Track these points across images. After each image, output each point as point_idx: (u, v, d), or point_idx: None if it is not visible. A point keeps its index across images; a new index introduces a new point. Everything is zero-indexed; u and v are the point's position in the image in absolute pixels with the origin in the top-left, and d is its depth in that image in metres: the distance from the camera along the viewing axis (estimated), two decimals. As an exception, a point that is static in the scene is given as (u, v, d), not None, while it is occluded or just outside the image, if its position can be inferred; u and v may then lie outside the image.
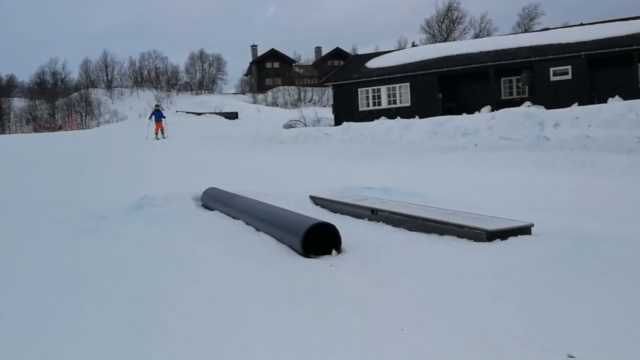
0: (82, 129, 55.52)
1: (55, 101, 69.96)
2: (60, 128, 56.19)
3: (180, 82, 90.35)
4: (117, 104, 73.32)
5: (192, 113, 56.86)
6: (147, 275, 5.91)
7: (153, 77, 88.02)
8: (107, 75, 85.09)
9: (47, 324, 4.48)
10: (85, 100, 69.18)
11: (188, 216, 9.72)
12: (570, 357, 3.56)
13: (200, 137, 31.06)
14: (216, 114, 55.75)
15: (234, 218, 9.19)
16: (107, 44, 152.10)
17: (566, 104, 22.40)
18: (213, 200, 10.58)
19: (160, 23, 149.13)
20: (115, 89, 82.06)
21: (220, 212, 9.92)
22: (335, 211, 10.00)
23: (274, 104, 77.39)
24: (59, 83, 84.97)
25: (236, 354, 3.84)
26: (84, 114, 66.64)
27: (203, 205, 10.85)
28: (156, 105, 28.44)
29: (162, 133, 26.69)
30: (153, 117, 28.28)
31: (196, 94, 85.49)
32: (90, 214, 9.67)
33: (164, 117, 28.19)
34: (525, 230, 6.95)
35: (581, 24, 32.33)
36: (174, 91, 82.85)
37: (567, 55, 26.13)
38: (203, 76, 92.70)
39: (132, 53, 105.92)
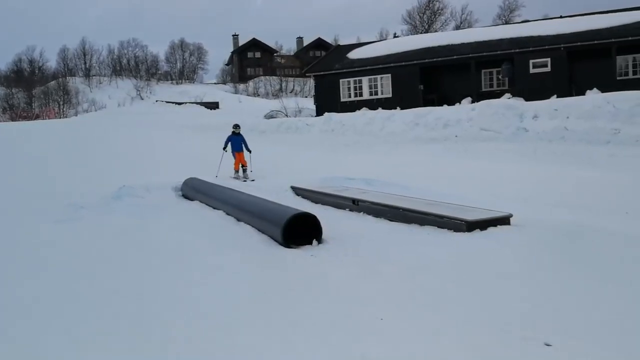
0: (60, 117, 54.70)
1: (33, 90, 68.82)
2: (37, 117, 55.31)
3: (160, 72, 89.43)
4: (96, 93, 72.35)
5: (172, 103, 56.41)
6: (126, 266, 5.85)
7: (132, 65, 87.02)
8: (85, 63, 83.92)
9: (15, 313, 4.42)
10: (63, 88, 68.09)
11: (168, 206, 9.64)
12: (547, 345, 3.61)
13: (181, 126, 30.82)
14: (197, 103, 55.36)
15: (214, 208, 9.14)
16: (85, 31, 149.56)
17: (545, 96, 22.60)
18: (193, 190, 10.51)
19: (140, 11, 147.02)
20: (94, 77, 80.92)
21: (201, 202, 9.86)
22: (316, 202, 10.01)
23: (256, 94, 77.02)
24: (36, 71, 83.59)
25: (219, 343, 3.83)
26: (61, 103, 65.64)
27: (183, 195, 10.77)
28: (235, 127, 15.48)
29: (244, 171, 14.58)
30: (230, 144, 15.12)
31: (177, 83, 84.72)
32: (68, 203, 9.55)
33: (248, 149, 15.00)
34: (504, 220, 7.02)
35: (560, 17, 32.59)
36: (153, 80, 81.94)
37: (547, 47, 26.33)
38: (184, 65, 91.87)
39: (111, 41, 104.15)
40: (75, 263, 5.98)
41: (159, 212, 8.96)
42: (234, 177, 14.40)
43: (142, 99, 66.66)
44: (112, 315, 4.37)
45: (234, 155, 14.90)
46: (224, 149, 14.95)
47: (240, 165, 14.71)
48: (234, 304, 4.61)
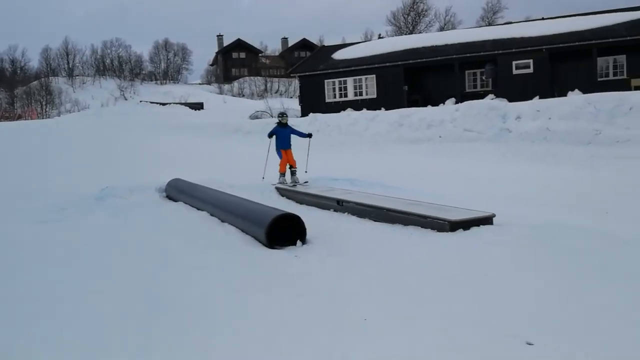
0: (43, 118, 54.07)
1: (15, 90, 67.95)
2: (19, 117, 54.61)
3: (144, 72, 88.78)
4: (79, 93, 71.58)
5: (157, 103, 55.99)
6: (107, 266, 5.81)
7: (116, 65, 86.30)
8: (68, 63, 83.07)
9: None
10: (46, 88, 67.30)
11: (151, 207, 9.58)
12: (529, 344, 3.64)
13: (165, 127, 30.62)
14: (181, 104, 54.98)
15: (198, 209, 9.10)
16: (68, 31, 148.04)
17: (528, 96, 22.82)
18: (177, 191, 10.45)
19: (124, 11, 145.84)
20: (77, 77, 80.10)
21: (185, 203, 9.81)
22: (301, 202, 10.00)
23: (240, 94, 76.75)
24: (19, 71, 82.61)
25: (204, 342, 3.81)
26: (44, 103, 64.87)
27: (167, 196, 10.71)
28: (281, 116, 11.79)
29: (293, 173, 11.54)
30: (274, 137, 11.69)
31: (161, 83, 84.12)
32: (50, 204, 9.45)
33: (307, 135, 11.91)
34: (487, 220, 7.07)
35: (542, 18, 32.96)
36: (137, 81, 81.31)
37: (529, 48, 26.60)
38: (168, 66, 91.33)
39: (94, 41, 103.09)
40: (54, 264, 5.92)
41: (141, 213, 8.89)
42: (279, 184, 11.23)
43: (126, 100, 66.13)
44: (90, 315, 4.33)
45: (279, 153, 11.56)
46: (270, 137, 11.64)
47: (288, 166, 11.54)
48: (216, 304, 4.59)
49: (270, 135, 11.69)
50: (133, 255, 6.27)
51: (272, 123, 28.07)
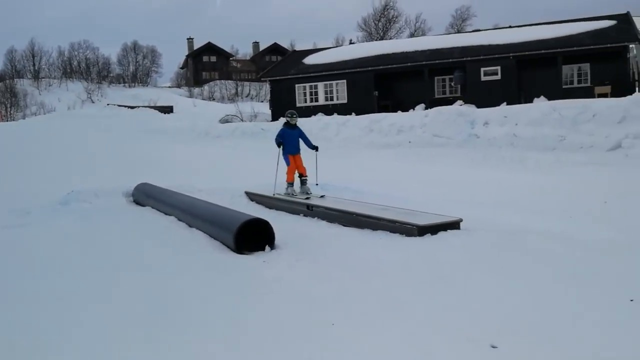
0: (7, 120, 52.82)
1: (-23, 91, 66.29)
2: (-18, 120, 53.25)
3: (112, 74, 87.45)
4: (45, 95, 70.07)
5: (125, 106, 55.19)
6: (75, 272, 5.69)
7: (83, 68, 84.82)
8: (34, 65, 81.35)
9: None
10: (11, 90, 65.77)
11: (118, 212, 9.43)
12: (493, 347, 3.69)
13: (134, 131, 30.22)
14: (150, 107, 54.31)
15: (166, 214, 8.99)
16: (34, 32, 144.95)
17: (496, 103, 23.18)
18: (144, 195, 10.32)
19: (92, 12, 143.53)
20: (43, 79, 78.46)
21: (152, 208, 9.69)
22: (270, 207, 9.96)
23: (211, 98, 76.13)
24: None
25: (168, 348, 3.76)
26: (9, 105, 63.38)
27: (134, 201, 10.56)
28: (290, 116, 10.13)
29: (303, 183, 10.05)
30: (283, 144, 10.02)
31: (129, 86, 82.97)
32: (14, 208, 9.24)
33: (313, 147, 10.15)
34: (454, 225, 7.16)
35: (510, 27, 33.57)
36: (105, 83, 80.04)
37: (497, 56, 27.05)
38: (136, 68, 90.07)
39: (61, 43, 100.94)
40: (18, 269, 5.78)
41: (107, 218, 8.75)
42: (286, 194, 9.82)
43: (93, 102, 65.03)
44: (49, 320, 4.24)
45: (286, 159, 10.05)
46: (279, 145, 9.93)
47: (298, 175, 10.05)
48: (182, 309, 4.54)
49: (279, 143, 9.93)
50: (96, 261, 6.16)
51: (241, 127, 27.88)
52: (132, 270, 5.80)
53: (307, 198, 9.37)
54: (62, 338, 3.98)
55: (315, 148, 10.06)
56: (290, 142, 9.98)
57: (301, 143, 10.18)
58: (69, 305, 4.67)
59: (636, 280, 5.09)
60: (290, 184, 9.99)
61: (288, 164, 10.05)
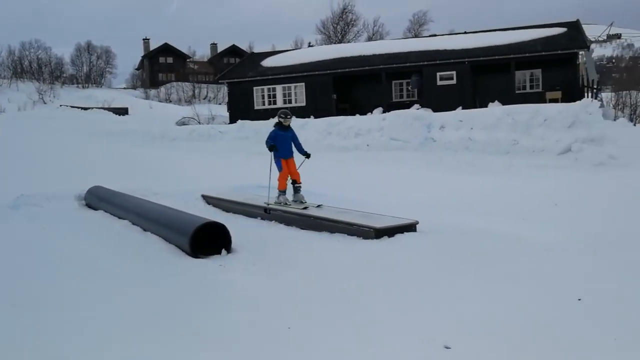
0: (-48, 121, 50.74)
1: None
2: None
3: (65, 75, 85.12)
4: (-7, 96, 67.86)
5: (78, 107, 53.83)
6: (23, 277, 5.48)
7: (35, 68, 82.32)
8: (-19, 64, 78.65)
9: None
10: (-44, 90, 63.36)
11: (70, 216, 9.16)
12: (447, 347, 3.73)
13: (87, 133, 29.47)
14: (104, 109, 53.14)
15: (119, 218, 8.78)
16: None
17: (451, 107, 23.58)
18: (97, 199, 10.05)
19: (44, 11, 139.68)
20: (-9, 79, 75.92)
21: (106, 211, 9.45)
22: (227, 210, 9.87)
23: (167, 100, 74.99)
24: None
25: (117, 355, 3.67)
26: (-47, 106, 61.01)
27: (87, 204, 10.28)
28: (284, 116, 9.25)
29: (297, 190, 9.13)
30: (275, 147, 9.14)
31: (83, 87, 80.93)
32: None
33: (304, 153, 9.23)
34: (410, 227, 7.23)
35: (465, 32, 34.24)
36: (58, 84, 77.83)
37: (453, 61, 27.53)
38: (90, 69, 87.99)
39: (12, 42, 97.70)
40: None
41: (58, 222, 8.48)
42: (277, 203, 9.03)
43: (45, 103, 63.08)
44: (5, 327, 4.08)
45: (278, 164, 9.20)
46: (271, 149, 9.08)
47: (291, 181, 9.22)
48: (135, 314, 4.43)
49: (270, 147, 9.05)
50: (46, 266, 5.95)
51: (198, 129, 27.59)
52: (82, 274, 5.63)
53: (305, 208, 8.55)
54: None
55: (307, 155, 9.18)
56: (282, 145, 9.13)
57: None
58: (20, 311, 4.50)
59: (584, 280, 5.24)
60: (283, 191, 9.17)
61: (280, 169, 9.16)
